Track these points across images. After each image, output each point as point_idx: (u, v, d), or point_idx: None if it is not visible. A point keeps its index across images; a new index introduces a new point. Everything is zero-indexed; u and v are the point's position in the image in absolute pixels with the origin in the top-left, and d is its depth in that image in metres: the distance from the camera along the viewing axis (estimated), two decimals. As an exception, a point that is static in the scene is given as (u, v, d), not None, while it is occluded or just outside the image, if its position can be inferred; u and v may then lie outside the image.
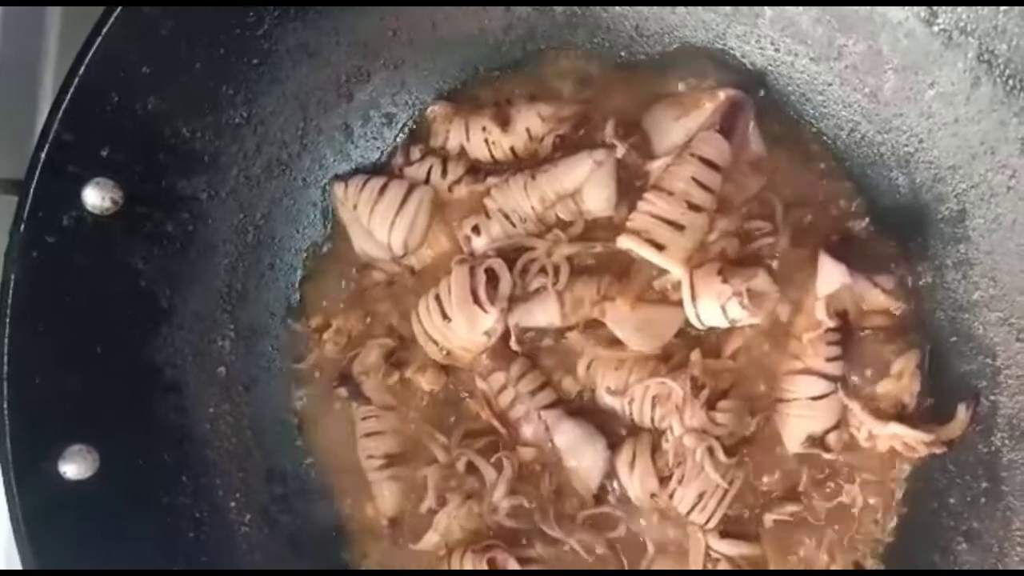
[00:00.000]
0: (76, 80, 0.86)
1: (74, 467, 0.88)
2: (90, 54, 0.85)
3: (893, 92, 0.92)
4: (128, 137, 0.89)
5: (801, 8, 0.92)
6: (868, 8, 0.88)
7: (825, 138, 0.98)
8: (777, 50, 0.96)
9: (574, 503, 0.98)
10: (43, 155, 0.85)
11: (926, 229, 0.94)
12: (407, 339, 1.01)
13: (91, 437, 0.89)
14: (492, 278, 0.95)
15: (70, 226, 0.87)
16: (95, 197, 0.87)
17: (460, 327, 0.95)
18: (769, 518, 0.95)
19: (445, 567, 0.99)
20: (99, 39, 0.85)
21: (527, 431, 0.98)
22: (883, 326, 0.93)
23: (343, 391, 1.01)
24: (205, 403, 1.01)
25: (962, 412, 0.91)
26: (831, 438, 0.92)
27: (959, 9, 0.84)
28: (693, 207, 0.89)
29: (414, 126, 1.05)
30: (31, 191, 0.85)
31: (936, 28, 0.86)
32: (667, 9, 0.97)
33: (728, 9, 0.95)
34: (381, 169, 1.04)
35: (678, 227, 0.88)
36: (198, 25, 0.89)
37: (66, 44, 1.04)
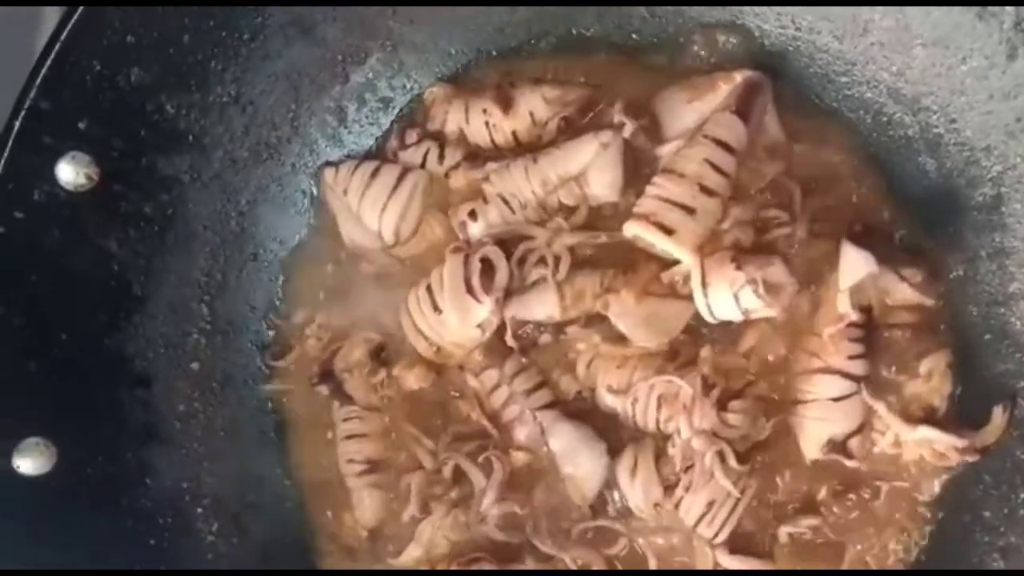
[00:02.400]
0: (57, 46, 0.82)
1: (29, 462, 0.82)
2: (73, 20, 0.81)
3: (922, 69, 0.87)
4: (108, 110, 0.85)
5: (825, -19, 0.89)
6: (897, -20, 0.85)
7: (848, 121, 0.93)
8: (798, 28, 0.92)
9: (570, 514, 0.91)
10: (17, 124, 0.81)
11: (958, 217, 0.88)
12: (395, 335, 0.95)
13: (49, 430, 0.84)
14: (488, 268, 0.90)
15: (41, 201, 0.82)
16: (70, 172, 0.83)
17: (452, 320, 0.89)
18: (784, 532, 0.88)
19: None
20: (83, 4, 0.81)
21: (520, 434, 0.91)
22: (910, 323, 0.87)
23: (323, 389, 0.95)
24: (175, 400, 0.95)
25: (998, 415, 0.84)
26: (853, 443, 0.85)
27: (995, -24, 0.80)
28: (705, 191, 0.84)
29: (411, 112, 1.00)
30: (2, 162, 0.80)
31: (970, -3, 0.82)
32: (681, -15, 0.94)
33: (747, -16, 0.92)
34: (374, 155, 0.99)
35: (689, 211, 0.83)
36: (187, -6, 0.86)
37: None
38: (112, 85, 0.84)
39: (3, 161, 0.80)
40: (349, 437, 0.95)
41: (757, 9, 0.92)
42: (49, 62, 0.81)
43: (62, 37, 0.81)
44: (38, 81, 0.81)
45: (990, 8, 0.80)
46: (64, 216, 0.84)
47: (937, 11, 0.83)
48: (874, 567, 0.90)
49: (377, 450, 0.95)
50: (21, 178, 0.81)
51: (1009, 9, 0.79)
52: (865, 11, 0.88)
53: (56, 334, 0.86)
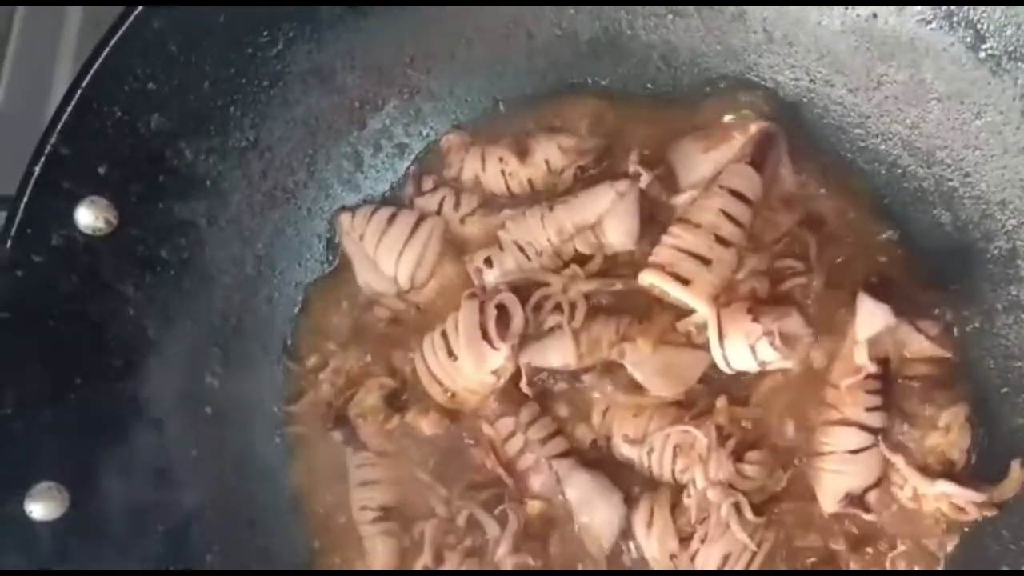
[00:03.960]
0: (78, 93, 0.82)
1: (41, 507, 0.81)
2: (95, 67, 0.82)
3: (937, 123, 0.88)
4: (128, 155, 0.85)
5: (839, 35, 0.89)
6: (910, 34, 0.85)
7: (863, 173, 0.93)
8: (812, 80, 0.93)
9: (585, 565, 0.90)
10: (37, 169, 0.81)
11: (973, 270, 0.88)
12: (409, 381, 0.95)
13: (62, 474, 0.83)
14: (503, 315, 0.90)
15: (60, 245, 0.83)
16: (88, 216, 0.83)
17: (467, 366, 0.89)
18: (801, 585, 0.88)
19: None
20: (105, 52, 0.82)
21: (536, 482, 0.90)
22: (928, 375, 0.86)
23: (338, 435, 0.95)
24: (187, 444, 0.94)
25: (1016, 469, 0.83)
26: (871, 497, 0.85)
27: (1007, 33, 0.80)
28: (721, 241, 0.84)
29: (427, 158, 1.00)
30: (22, 207, 0.80)
31: (983, 54, 0.82)
32: (696, 38, 0.94)
33: (760, 37, 0.92)
34: (391, 200, 1.00)
35: (705, 261, 0.83)
36: (208, 42, 0.86)
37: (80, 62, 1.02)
38: (132, 131, 0.85)
39: (23, 206, 0.80)
40: (362, 484, 0.94)
41: (771, 61, 0.93)
42: (70, 109, 0.82)
43: (83, 84, 0.82)
44: (59, 127, 0.82)
45: (1004, 64, 0.81)
46: (82, 260, 0.84)
47: (951, 66, 0.84)
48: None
49: (390, 497, 0.94)
50: (40, 222, 0.81)
51: (1022, 65, 0.80)
52: (879, 65, 0.88)
53: (71, 378, 0.86)
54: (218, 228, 0.93)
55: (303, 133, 0.96)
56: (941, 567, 0.88)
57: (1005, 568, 0.86)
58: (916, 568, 0.88)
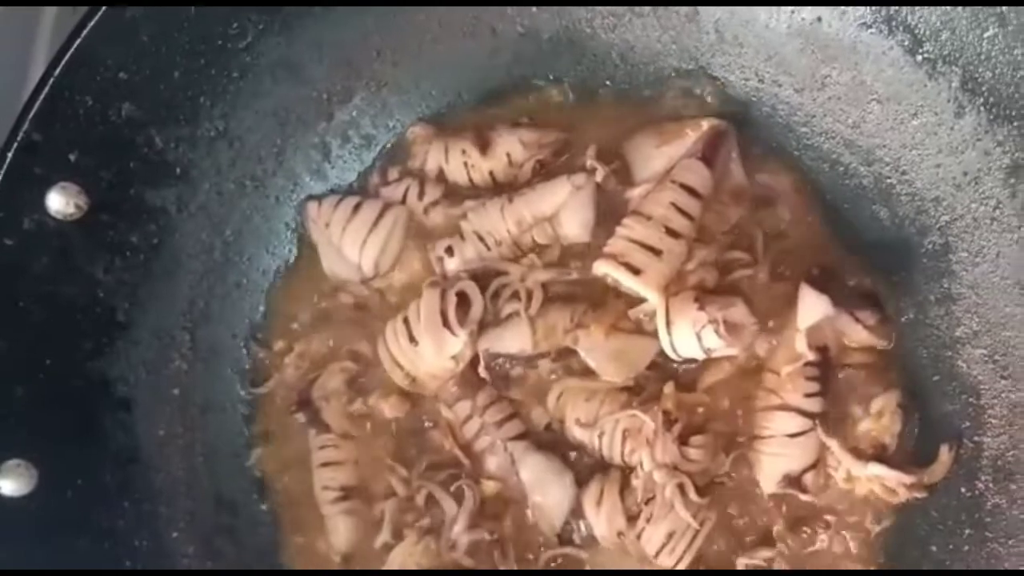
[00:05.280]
0: (51, 80, 0.84)
1: (11, 483, 0.83)
2: (67, 55, 0.84)
3: (876, 123, 0.92)
4: (99, 142, 0.87)
5: (786, 38, 0.92)
6: (851, 38, 0.89)
7: (807, 170, 0.97)
8: (761, 80, 0.96)
9: (537, 542, 0.93)
10: (10, 155, 0.83)
11: (908, 263, 0.92)
12: (372, 365, 0.98)
13: (31, 452, 0.85)
14: (463, 302, 0.93)
15: (31, 229, 0.84)
16: (59, 201, 0.85)
17: (427, 351, 0.92)
18: (741, 563, 0.91)
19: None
20: (78, 41, 0.84)
21: (491, 463, 0.94)
22: (864, 363, 0.90)
23: (301, 416, 0.97)
24: (156, 424, 0.96)
25: (944, 454, 0.88)
26: (808, 478, 0.88)
27: (943, 37, 0.84)
28: (671, 233, 0.87)
29: (393, 149, 1.03)
30: (-7, 191, 0.83)
31: (920, 57, 0.86)
32: (652, 38, 0.97)
33: (712, 38, 0.95)
34: (357, 190, 1.02)
35: (655, 252, 0.86)
36: (179, 33, 0.88)
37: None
38: (103, 119, 0.87)
39: (-5, 190, 0.82)
40: (325, 464, 0.97)
41: (722, 61, 0.97)
42: (42, 97, 0.84)
43: (56, 73, 0.84)
44: (31, 114, 0.83)
45: (939, 67, 0.85)
46: (53, 244, 0.86)
47: (890, 69, 0.88)
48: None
49: (352, 477, 0.97)
50: (12, 207, 0.83)
51: (956, 69, 0.84)
52: (823, 67, 0.92)
53: (41, 359, 0.88)
54: (187, 215, 0.95)
55: (272, 123, 0.98)
56: (875, 547, 0.91)
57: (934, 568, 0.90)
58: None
